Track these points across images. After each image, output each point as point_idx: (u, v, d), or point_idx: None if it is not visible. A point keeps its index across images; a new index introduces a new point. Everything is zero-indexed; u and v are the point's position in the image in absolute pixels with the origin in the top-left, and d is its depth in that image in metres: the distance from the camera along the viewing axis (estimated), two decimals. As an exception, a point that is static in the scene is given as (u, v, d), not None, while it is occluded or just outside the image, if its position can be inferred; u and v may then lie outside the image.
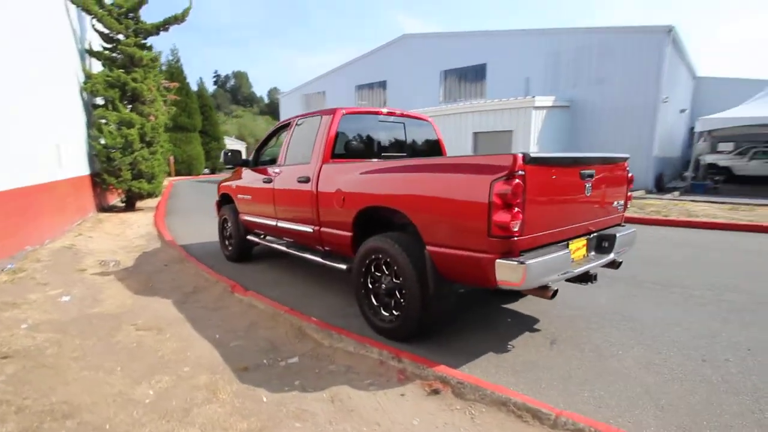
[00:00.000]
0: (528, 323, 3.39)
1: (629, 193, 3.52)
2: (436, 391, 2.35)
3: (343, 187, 3.49)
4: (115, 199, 11.57)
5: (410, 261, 2.88)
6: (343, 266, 3.68)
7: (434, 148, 4.80)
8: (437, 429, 2.07)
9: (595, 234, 3.11)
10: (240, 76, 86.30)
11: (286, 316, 3.43)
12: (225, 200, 5.98)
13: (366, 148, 4.20)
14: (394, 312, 3.11)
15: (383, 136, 4.42)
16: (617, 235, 3.16)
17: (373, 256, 3.17)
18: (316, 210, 3.84)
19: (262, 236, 5.35)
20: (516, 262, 2.34)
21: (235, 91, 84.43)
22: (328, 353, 2.89)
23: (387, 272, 3.14)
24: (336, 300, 4.05)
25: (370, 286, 3.30)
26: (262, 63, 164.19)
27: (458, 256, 2.60)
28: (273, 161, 4.97)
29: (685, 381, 2.49)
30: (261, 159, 5.27)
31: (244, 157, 5.56)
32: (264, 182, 4.71)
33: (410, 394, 2.37)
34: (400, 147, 4.53)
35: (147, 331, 3.25)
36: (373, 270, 3.25)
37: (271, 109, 65.39)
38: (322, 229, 3.83)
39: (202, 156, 27.24)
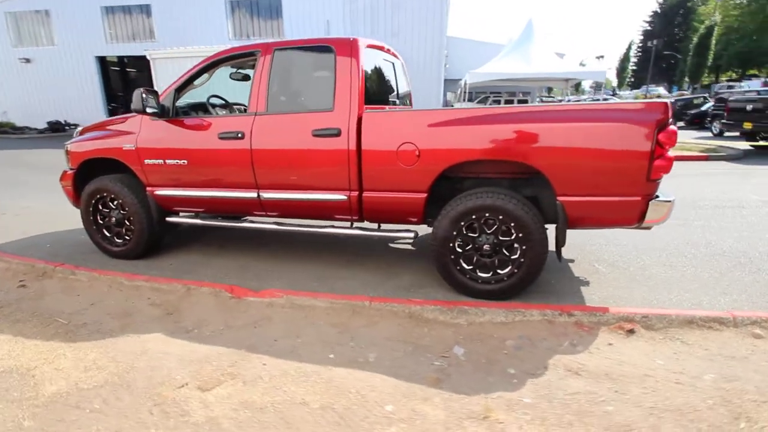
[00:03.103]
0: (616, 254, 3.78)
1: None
2: (631, 331, 2.47)
3: (415, 140, 2.87)
4: None
5: (534, 215, 2.76)
6: (410, 234, 3.14)
7: (408, 94, 4.40)
8: (677, 361, 2.23)
9: None
10: None
11: (380, 308, 2.74)
12: (94, 169, 3.91)
13: (377, 93, 3.51)
14: (499, 271, 2.93)
15: (384, 79, 3.75)
16: None
17: (485, 216, 2.82)
18: (357, 171, 3.05)
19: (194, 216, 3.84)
20: (667, 200, 2.61)
21: None
22: (481, 331, 2.53)
23: (489, 231, 2.90)
24: (368, 275, 3.44)
25: (460, 249, 2.98)
26: None
27: (604, 203, 2.67)
28: (225, 107, 3.53)
29: (705, 271, 3.42)
30: (180, 105, 3.65)
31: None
32: (221, 138, 3.31)
33: (615, 341, 2.41)
34: (396, 92, 3.96)
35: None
36: (465, 231, 2.93)
37: None
38: (368, 194, 3.10)
39: None
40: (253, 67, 3.52)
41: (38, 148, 13.92)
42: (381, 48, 3.64)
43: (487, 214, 2.84)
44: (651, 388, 2.00)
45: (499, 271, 2.94)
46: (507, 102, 22.88)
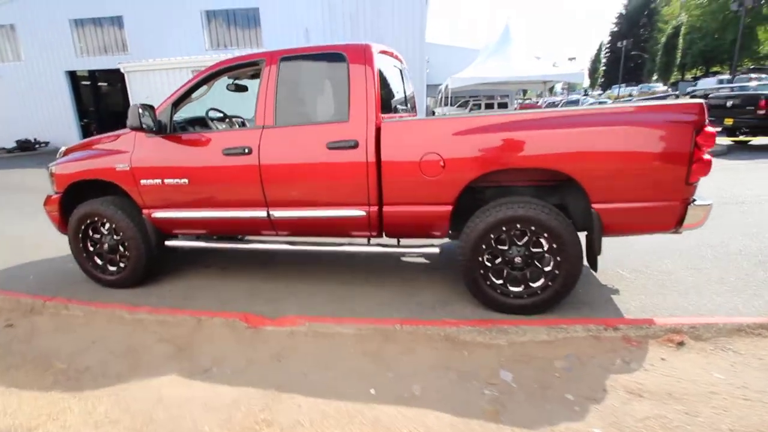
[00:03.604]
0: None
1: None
2: (681, 343, 2.36)
3: (439, 150, 2.72)
4: None
5: (568, 225, 2.64)
6: (434, 249, 2.98)
7: (412, 99, 4.25)
8: (736, 374, 2.12)
9: None
10: None
11: (412, 331, 2.56)
12: (82, 192, 3.62)
13: (387, 100, 3.34)
14: (533, 284, 2.79)
15: (393, 85, 3.58)
16: None
17: (516, 227, 2.68)
18: (376, 184, 2.87)
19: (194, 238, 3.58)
20: (705, 204, 2.53)
21: None
22: (524, 352, 2.38)
23: (520, 243, 2.76)
24: (388, 293, 3.25)
25: (489, 263, 2.83)
26: None
27: (641, 209, 2.56)
28: (224, 120, 3.29)
29: None
30: (177, 120, 3.41)
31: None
32: (226, 154, 3.08)
33: (667, 356, 2.29)
34: (404, 98, 3.81)
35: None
36: (495, 244, 2.78)
37: None
38: (388, 208, 2.92)
39: None
40: (255, 77, 3.31)
41: (7, 168, 13.20)
42: (390, 54, 3.49)
43: (518, 226, 2.70)
44: (721, 408, 1.88)
45: (531, 284, 2.81)
46: (487, 106, 23.09)
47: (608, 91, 53.35)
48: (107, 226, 3.52)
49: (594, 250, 2.68)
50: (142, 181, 3.32)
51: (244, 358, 2.44)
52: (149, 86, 14.39)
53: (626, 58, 44.47)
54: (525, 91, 38.56)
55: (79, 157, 3.58)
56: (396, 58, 3.68)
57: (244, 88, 4.02)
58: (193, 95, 3.37)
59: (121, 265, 3.58)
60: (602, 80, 61.94)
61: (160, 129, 3.18)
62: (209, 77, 3.28)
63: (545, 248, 2.71)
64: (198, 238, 3.58)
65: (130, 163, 3.32)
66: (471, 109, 22.78)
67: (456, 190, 2.76)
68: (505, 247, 2.79)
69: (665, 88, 36.54)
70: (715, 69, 51.16)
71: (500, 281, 2.85)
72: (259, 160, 3.02)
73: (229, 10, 17.15)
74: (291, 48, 3.08)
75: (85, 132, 18.90)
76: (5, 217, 6.45)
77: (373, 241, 3.29)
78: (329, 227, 3.12)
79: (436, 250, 2.97)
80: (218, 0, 16.89)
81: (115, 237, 3.52)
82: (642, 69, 55.18)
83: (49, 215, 3.77)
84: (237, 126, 4.05)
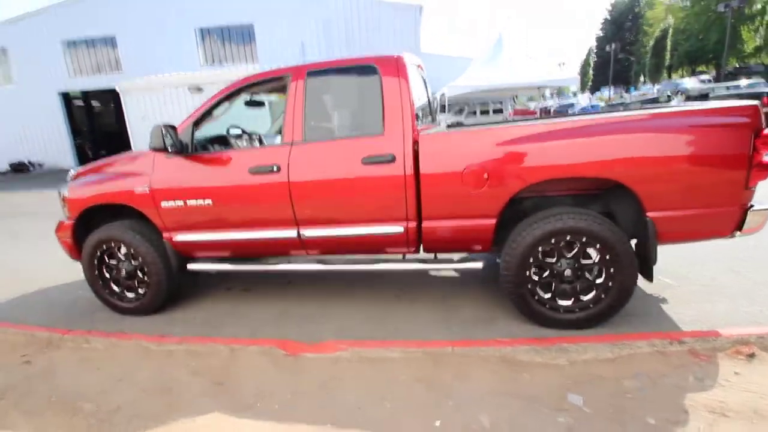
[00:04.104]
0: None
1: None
2: (752, 355, 2.23)
3: (482, 161, 2.60)
4: None
5: (621, 235, 2.52)
6: (477, 264, 2.84)
7: (434, 108, 4.15)
8: (820, 388, 2.00)
9: None
10: None
11: (465, 353, 2.41)
12: (97, 217, 3.46)
13: (420, 111, 3.24)
14: (583, 297, 2.66)
15: (421, 94, 3.48)
16: None
17: (565, 239, 2.56)
18: (415, 199, 2.74)
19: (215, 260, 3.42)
20: (765, 208, 2.42)
21: None
22: (589, 372, 2.23)
23: (569, 255, 2.63)
24: (426, 311, 3.11)
25: (536, 277, 2.70)
26: None
27: (698, 216, 2.45)
28: (238, 137, 3.17)
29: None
30: (199, 139, 3.27)
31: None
32: (253, 173, 2.94)
33: (740, 369, 2.16)
34: (429, 108, 3.71)
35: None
36: (542, 257, 2.65)
37: None
38: (428, 223, 2.79)
39: None
40: (280, 92, 3.19)
41: (2, 191, 12.94)
42: (418, 65, 3.39)
43: (568, 237, 2.58)
44: (818, 427, 1.75)
45: (581, 297, 2.68)
46: (483, 113, 23.15)
47: (597, 94, 54.05)
48: (124, 251, 3.35)
49: (649, 260, 2.56)
50: (163, 204, 3.16)
51: (288, 390, 2.27)
52: (144, 105, 14.20)
53: (614, 62, 45.15)
54: (515, 97, 38.87)
55: (93, 181, 3.42)
56: (419, 66, 3.59)
57: (260, 104, 3.91)
58: (215, 113, 3.24)
59: (141, 291, 3.41)
60: (590, 84, 62.77)
61: (182, 149, 3.04)
62: (232, 94, 3.15)
63: (596, 259, 2.59)
64: (222, 260, 3.42)
65: (150, 185, 3.16)
66: (467, 116, 22.86)
67: (500, 202, 2.64)
68: (554, 260, 2.66)
69: (656, 88, 36.96)
70: (701, 69, 52.08)
71: (548, 295, 2.72)
72: (288, 178, 2.88)
73: (224, 27, 17.14)
74: (318, 62, 2.97)
75: (80, 152, 18.67)
76: (8, 242, 6.24)
77: (408, 256, 3.14)
78: (363, 245, 2.99)
79: (479, 265, 2.84)
80: (213, 17, 16.89)
81: (133, 262, 3.35)
82: (629, 71, 55.99)
83: (60, 242, 3.59)
84: (257, 142, 3.91)
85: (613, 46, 36.92)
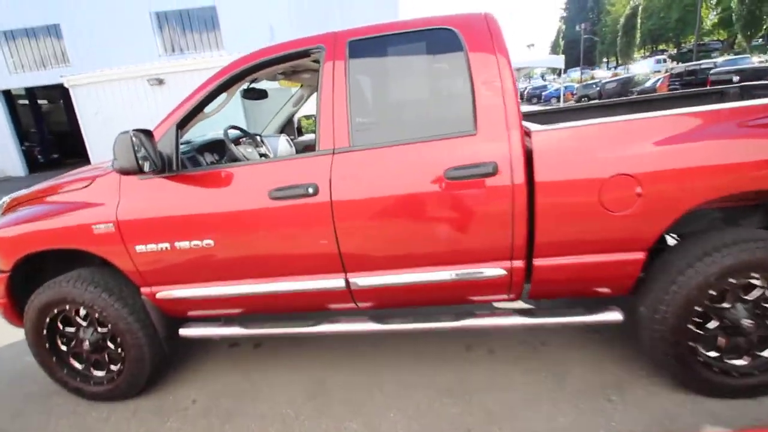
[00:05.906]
0: None
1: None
2: None
3: (634, 170, 1.73)
4: None
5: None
6: (616, 316, 1.99)
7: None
8: None
9: None
10: None
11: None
12: (40, 268, 2.41)
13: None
14: (761, 354, 1.88)
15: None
16: None
17: (743, 278, 1.76)
18: (525, 228, 1.86)
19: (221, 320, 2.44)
20: None
21: None
22: None
23: (750, 298, 1.84)
24: (517, 373, 2.27)
25: (701, 331, 1.89)
26: None
27: None
28: (239, 141, 2.18)
29: None
30: (185, 149, 2.27)
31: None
32: (275, 198, 1.97)
33: None
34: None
35: None
36: (710, 303, 1.85)
37: None
38: (542, 261, 1.91)
39: None
40: (291, 76, 2.22)
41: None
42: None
43: (753, 274, 1.78)
44: None
45: (759, 353, 1.90)
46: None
47: (564, 75, 54.35)
48: (85, 313, 2.33)
49: None
50: (138, 248, 2.14)
51: None
52: (98, 100, 12.57)
53: (578, 42, 45.37)
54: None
55: (30, 216, 2.35)
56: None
57: (263, 94, 2.89)
58: (207, 109, 2.23)
59: (113, 368, 2.40)
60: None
61: (164, 167, 2.03)
62: (230, 81, 2.14)
63: None
64: (228, 321, 2.44)
65: (115, 219, 2.13)
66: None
67: (658, 227, 1.79)
68: (727, 306, 1.86)
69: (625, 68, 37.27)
70: (662, 47, 53.23)
71: (714, 353, 1.93)
72: (331, 204, 1.93)
73: (183, 11, 15.51)
74: (365, 26, 1.99)
75: (28, 158, 16.70)
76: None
77: (500, 304, 2.28)
78: (441, 295, 2.09)
79: (619, 317, 1.99)
80: (168, 0, 15.22)
81: (100, 329, 2.34)
82: (594, 51, 56.67)
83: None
84: (262, 146, 2.90)
85: (583, 26, 36.82)
